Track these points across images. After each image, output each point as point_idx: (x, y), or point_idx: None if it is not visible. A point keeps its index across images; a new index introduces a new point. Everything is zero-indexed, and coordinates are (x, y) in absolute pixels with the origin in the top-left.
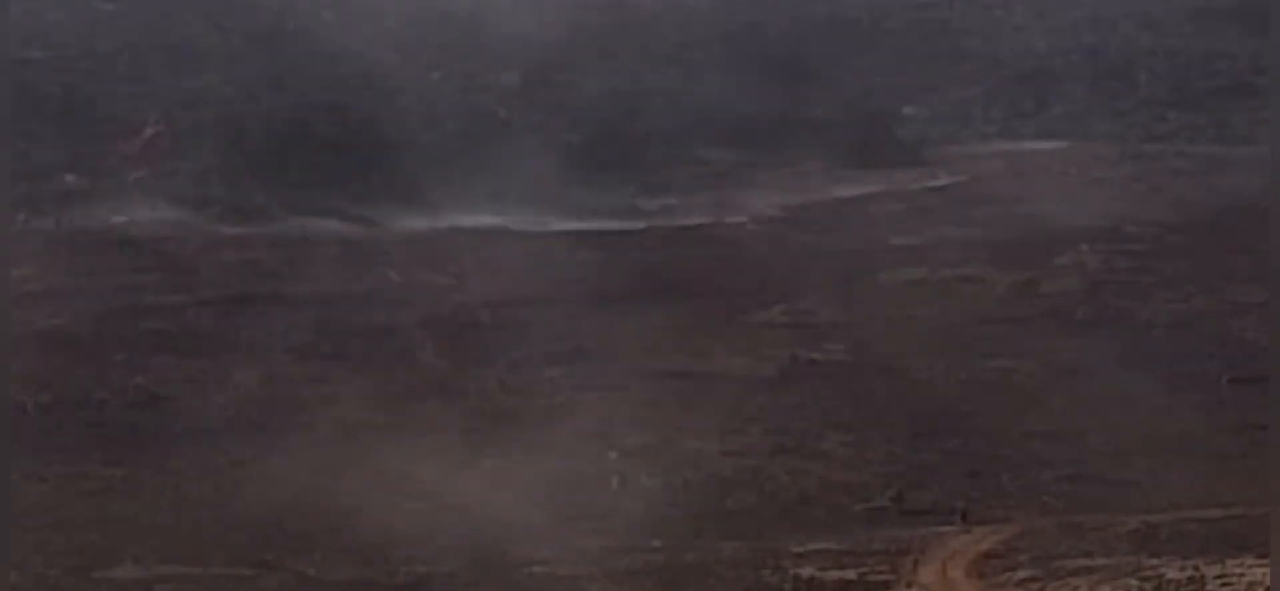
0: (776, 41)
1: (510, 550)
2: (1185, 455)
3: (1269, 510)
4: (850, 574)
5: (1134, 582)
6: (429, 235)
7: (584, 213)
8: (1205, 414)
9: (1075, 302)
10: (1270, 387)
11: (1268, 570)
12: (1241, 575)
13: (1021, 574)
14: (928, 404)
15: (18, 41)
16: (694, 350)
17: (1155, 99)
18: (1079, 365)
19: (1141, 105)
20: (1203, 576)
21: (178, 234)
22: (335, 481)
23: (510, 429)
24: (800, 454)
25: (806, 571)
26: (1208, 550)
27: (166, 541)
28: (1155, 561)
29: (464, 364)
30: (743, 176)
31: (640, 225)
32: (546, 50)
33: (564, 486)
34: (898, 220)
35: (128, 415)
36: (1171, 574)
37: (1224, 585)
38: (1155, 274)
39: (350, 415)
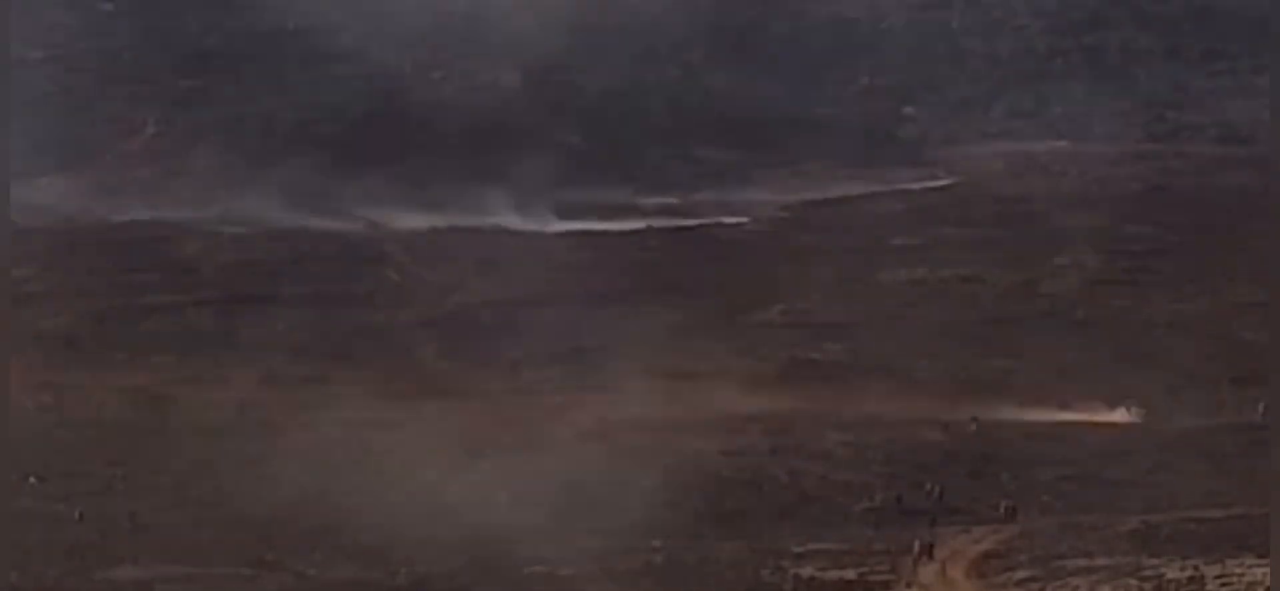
0: (777, 41)
1: (510, 550)
2: (1185, 455)
3: (1269, 510)
4: (850, 574)
5: (1134, 582)
6: (429, 235)
7: (584, 213)
8: (1205, 414)
9: (1075, 303)
10: (1270, 387)
11: (1268, 570)
12: (1241, 575)
13: (1021, 574)
14: (928, 404)
15: (18, 41)
16: (694, 350)
17: (1155, 99)
18: (1079, 365)
19: (1141, 105)
20: (1203, 576)
21: (178, 234)
22: (335, 481)
23: (510, 429)
24: (800, 454)
25: (806, 571)
26: (1208, 550)
27: (166, 541)
28: (1155, 561)
29: (464, 364)
30: (743, 176)
31: (640, 225)
32: (546, 50)
33: (564, 486)
34: (898, 220)
35: (128, 415)
36: (1171, 574)
37: (1224, 585)
38: (1155, 274)
39: (350, 415)
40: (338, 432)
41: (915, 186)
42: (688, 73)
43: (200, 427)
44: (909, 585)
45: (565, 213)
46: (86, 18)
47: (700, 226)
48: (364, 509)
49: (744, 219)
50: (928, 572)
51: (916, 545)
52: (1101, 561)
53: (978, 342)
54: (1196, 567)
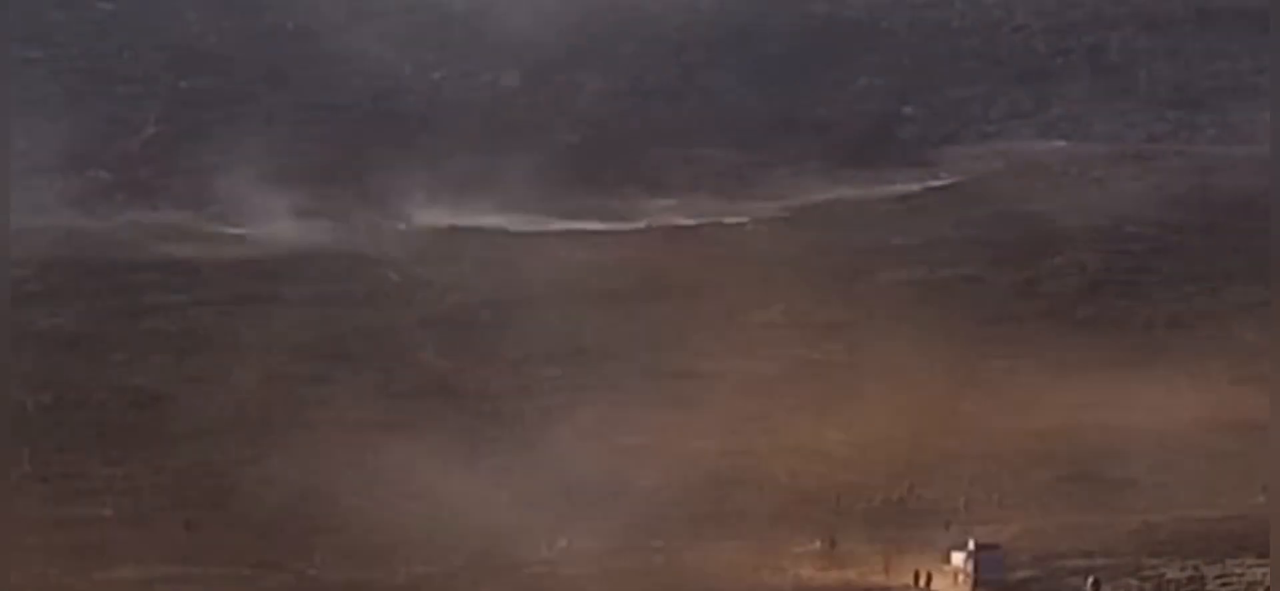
0: (776, 41)
1: (510, 550)
2: (1185, 455)
3: (1269, 510)
4: (850, 574)
5: (1134, 582)
6: (429, 235)
7: (584, 213)
8: (1205, 414)
9: (1075, 302)
10: (1270, 387)
11: (1268, 570)
12: (1241, 575)
13: (1021, 574)
14: (928, 404)
15: (18, 41)
16: (694, 350)
17: (1155, 99)
18: (1079, 365)
19: (1141, 105)
20: (1203, 576)
21: (178, 234)
22: (335, 481)
23: (510, 429)
24: (800, 454)
25: (806, 571)
26: (1208, 550)
27: (166, 541)
28: (1155, 561)
29: (464, 364)
30: (743, 176)
31: (640, 225)
32: (546, 50)
33: (564, 486)
34: (898, 220)
35: (128, 415)
36: (1171, 574)
37: (1224, 585)
38: (1155, 274)
39: (350, 415)
40: (338, 432)
41: (915, 186)
42: (688, 73)
43: (200, 427)
44: (909, 585)
45: (565, 213)
46: (86, 18)
47: (700, 226)
48: (364, 509)
49: (744, 219)
50: (928, 573)
51: (916, 546)
52: (1101, 561)
53: (978, 343)
54: (1196, 567)
